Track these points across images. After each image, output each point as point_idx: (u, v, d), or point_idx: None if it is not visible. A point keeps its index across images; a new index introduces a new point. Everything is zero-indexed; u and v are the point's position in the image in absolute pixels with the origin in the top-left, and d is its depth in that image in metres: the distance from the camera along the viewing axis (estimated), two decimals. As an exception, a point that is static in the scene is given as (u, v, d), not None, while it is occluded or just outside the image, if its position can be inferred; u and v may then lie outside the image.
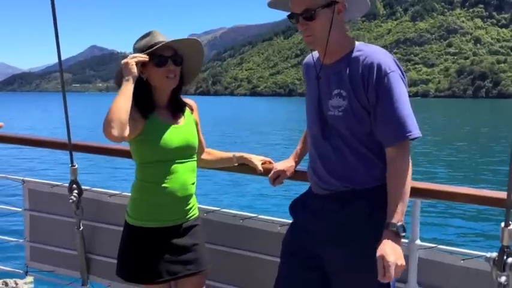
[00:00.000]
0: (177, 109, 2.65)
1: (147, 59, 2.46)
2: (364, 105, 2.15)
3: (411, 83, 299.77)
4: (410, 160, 2.16)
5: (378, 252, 2.04)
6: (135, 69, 2.40)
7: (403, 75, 2.18)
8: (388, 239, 2.06)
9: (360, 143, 2.21)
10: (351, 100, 2.17)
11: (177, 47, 2.58)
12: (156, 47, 2.49)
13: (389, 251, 2.02)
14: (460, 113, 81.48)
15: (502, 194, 2.18)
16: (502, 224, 2.05)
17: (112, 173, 16.27)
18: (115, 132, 2.27)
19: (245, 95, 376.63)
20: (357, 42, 2.26)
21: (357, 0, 2.25)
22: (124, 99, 2.34)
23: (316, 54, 2.38)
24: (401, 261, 2.04)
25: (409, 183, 2.14)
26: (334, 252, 2.26)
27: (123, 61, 2.43)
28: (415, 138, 2.11)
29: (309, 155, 2.46)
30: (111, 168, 16.84)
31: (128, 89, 2.37)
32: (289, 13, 2.26)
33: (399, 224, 2.07)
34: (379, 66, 2.11)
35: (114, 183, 13.69)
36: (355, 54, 2.20)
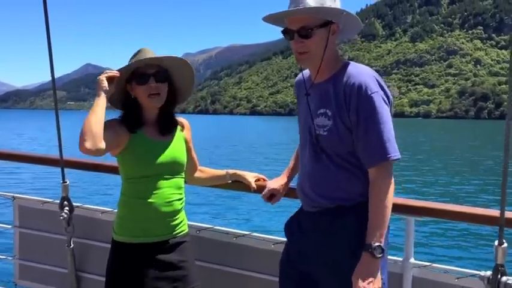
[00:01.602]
0: (165, 126, 2.64)
1: (117, 75, 2.48)
2: (348, 125, 2.16)
3: (412, 104, 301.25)
4: (392, 181, 2.14)
5: (353, 274, 2.09)
6: (105, 85, 2.41)
7: (387, 96, 2.17)
8: (364, 261, 2.09)
9: (346, 161, 2.21)
10: (336, 120, 2.17)
11: (164, 65, 2.58)
12: (130, 64, 2.51)
13: (362, 274, 2.07)
14: (460, 133, 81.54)
15: (496, 213, 2.16)
16: (496, 243, 2.03)
17: (104, 190, 16.14)
18: (87, 144, 2.26)
19: (245, 114, 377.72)
20: (351, 62, 2.27)
21: (350, 22, 2.29)
22: (95, 114, 2.34)
23: (306, 72, 2.40)
24: (374, 285, 2.07)
25: (390, 203, 2.13)
26: (322, 269, 2.25)
27: (97, 77, 2.46)
28: (394, 160, 2.11)
29: (299, 172, 2.46)
30: (104, 185, 16.74)
31: (98, 104, 2.37)
32: (283, 28, 2.26)
33: (376, 245, 2.07)
34: (360, 87, 2.11)
35: (106, 200, 13.56)
36: (341, 74, 2.21)
